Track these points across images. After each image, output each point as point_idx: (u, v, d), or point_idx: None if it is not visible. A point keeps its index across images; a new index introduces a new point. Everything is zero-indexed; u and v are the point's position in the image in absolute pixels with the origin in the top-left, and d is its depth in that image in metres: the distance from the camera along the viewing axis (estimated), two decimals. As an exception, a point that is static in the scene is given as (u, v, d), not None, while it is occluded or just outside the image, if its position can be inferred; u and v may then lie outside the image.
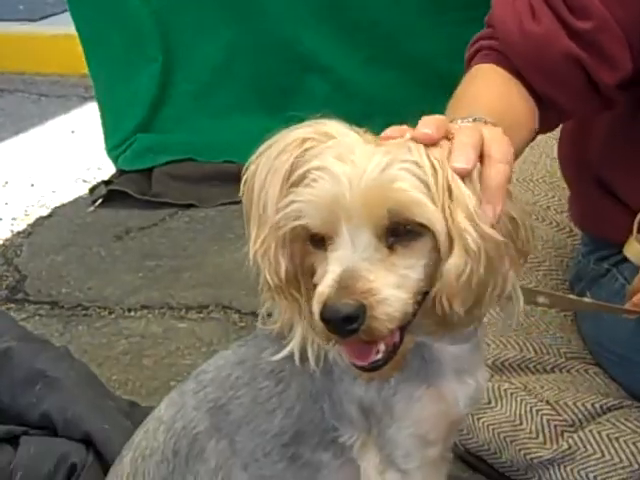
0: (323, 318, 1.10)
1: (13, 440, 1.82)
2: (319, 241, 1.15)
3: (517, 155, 1.55)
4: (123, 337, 2.52)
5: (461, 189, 1.11)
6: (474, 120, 1.20)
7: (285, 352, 1.29)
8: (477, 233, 1.11)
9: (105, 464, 1.75)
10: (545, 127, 1.71)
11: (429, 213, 1.10)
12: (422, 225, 1.11)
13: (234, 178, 3.81)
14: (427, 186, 1.12)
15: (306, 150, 1.16)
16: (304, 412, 1.37)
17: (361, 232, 1.11)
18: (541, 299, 1.45)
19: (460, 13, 3.25)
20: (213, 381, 1.41)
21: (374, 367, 1.17)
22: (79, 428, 1.82)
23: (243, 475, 1.39)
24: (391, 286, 1.11)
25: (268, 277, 1.19)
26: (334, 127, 1.18)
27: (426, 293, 1.16)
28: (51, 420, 1.85)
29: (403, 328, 1.17)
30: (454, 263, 1.11)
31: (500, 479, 1.83)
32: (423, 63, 3.44)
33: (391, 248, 1.12)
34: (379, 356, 1.17)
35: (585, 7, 1.59)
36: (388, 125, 1.21)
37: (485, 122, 1.24)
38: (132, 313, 2.64)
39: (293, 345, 1.27)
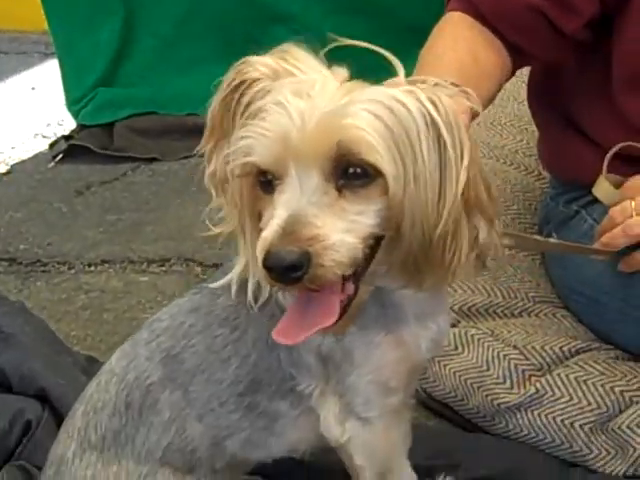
0: (266, 266, 1.05)
1: (-34, 397, 1.78)
2: (267, 183, 1.10)
3: (485, 105, 1.53)
4: (83, 292, 2.46)
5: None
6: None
7: (224, 281, 1.25)
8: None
9: (61, 420, 1.68)
10: (521, 65, 1.75)
11: (379, 154, 1.06)
12: (374, 167, 1.06)
13: (197, 131, 3.76)
14: (391, 132, 1.07)
15: (265, 84, 1.13)
16: (260, 360, 1.34)
17: (309, 173, 1.06)
18: (506, 240, 1.40)
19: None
20: (166, 330, 1.38)
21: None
22: (34, 384, 1.78)
23: (198, 426, 1.36)
24: (339, 231, 1.06)
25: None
26: (301, 60, 1.15)
27: (382, 238, 1.12)
28: (6, 376, 1.81)
29: (357, 279, 1.13)
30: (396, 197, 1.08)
31: (466, 425, 1.80)
32: (392, 11, 3.40)
33: (340, 191, 1.07)
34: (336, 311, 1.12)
35: None
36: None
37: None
38: (92, 268, 2.58)
39: (233, 274, 1.23)
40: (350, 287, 1.12)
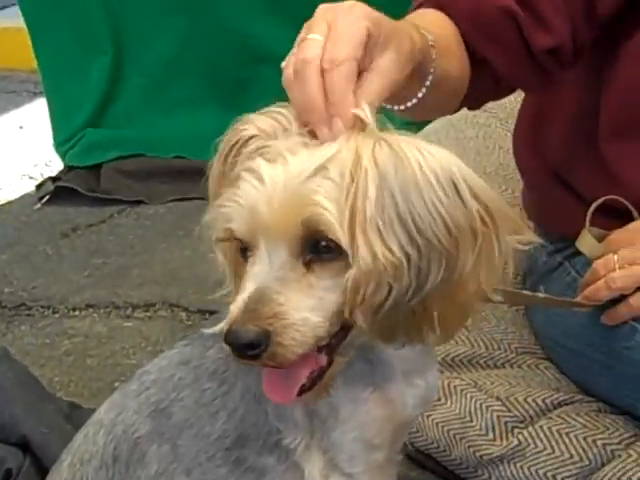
0: (226, 341, 1.06)
1: (-54, 446, 1.78)
2: (244, 251, 1.11)
3: (442, 79, 1.47)
4: (67, 337, 2.48)
5: (363, 198, 1.04)
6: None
7: (216, 328, 1.22)
8: (368, 251, 1.04)
9: (43, 469, 1.72)
10: (477, 91, 1.67)
11: (337, 230, 1.04)
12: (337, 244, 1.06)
13: (184, 174, 3.77)
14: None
15: (258, 142, 1.13)
16: (247, 414, 1.34)
17: (278, 247, 1.07)
18: (497, 296, 1.41)
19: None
20: (156, 382, 1.38)
21: (300, 392, 1.14)
22: (16, 431, 1.79)
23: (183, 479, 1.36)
24: (303, 309, 1.07)
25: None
26: (288, 120, 1.14)
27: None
28: (-13, 423, 1.81)
29: (331, 350, 1.13)
30: (350, 277, 1.05)
31: (449, 477, 1.82)
32: None
33: (308, 265, 1.07)
34: (303, 381, 1.13)
35: None
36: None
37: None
38: (77, 312, 2.61)
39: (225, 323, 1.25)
40: (322, 359, 1.13)
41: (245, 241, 1.09)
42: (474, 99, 1.68)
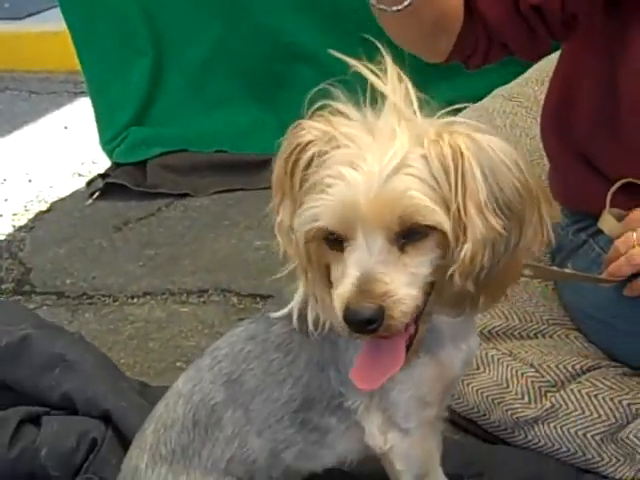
0: (346, 320, 1.21)
1: (35, 420, 1.93)
2: (334, 241, 1.26)
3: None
4: (128, 323, 2.62)
5: (474, 182, 1.21)
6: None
7: (285, 311, 1.41)
8: (484, 225, 1.22)
9: (123, 438, 1.87)
10: (471, 44, 1.80)
11: (437, 216, 1.21)
12: (429, 226, 1.22)
13: (226, 167, 3.94)
14: (437, 183, 1.22)
15: (316, 155, 1.27)
16: (312, 380, 1.49)
17: (375, 236, 1.22)
18: (526, 271, 1.56)
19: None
20: (227, 356, 1.54)
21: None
22: (98, 406, 1.93)
23: (258, 440, 1.52)
24: (404, 286, 1.22)
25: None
26: (343, 127, 1.28)
27: (432, 283, 1.28)
28: (71, 400, 1.96)
29: (417, 319, 1.30)
30: (469, 248, 1.22)
31: (489, 438, 1.95)
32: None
33: (402, 249, 1.23)
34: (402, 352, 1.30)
35: None
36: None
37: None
38: (135, 300, 2.74)
39: (293, 305, 1.39)
40: (412, 328, 1.30)
41: (339, 233, 1.24)
42: (468, 54, 1.80)
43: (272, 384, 1.51)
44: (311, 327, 1.40)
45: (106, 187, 3.51)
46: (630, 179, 1.79)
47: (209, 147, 3.64)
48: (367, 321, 1.21)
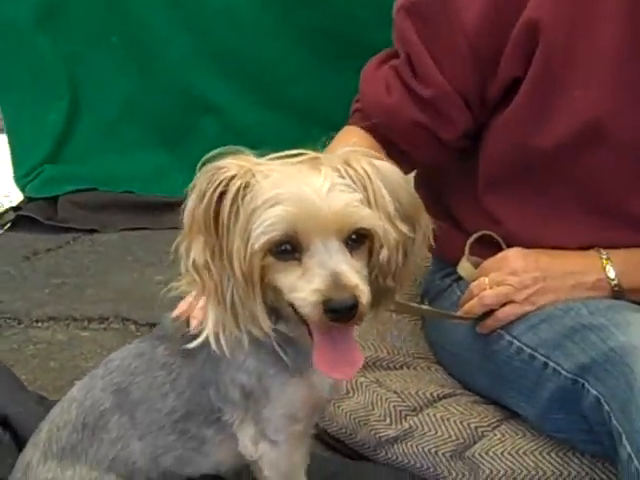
0: (330, 309, 1.35)
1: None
2: (283, 252, 1.39)
3: None
4: (32, 344, 2.74)
5: (382, 198, 1.43)
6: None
7: (201, 339, 1.51)
8: (395, 231, 1.43)
9: (20, 441, 1.98)
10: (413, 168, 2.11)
11: (377, 222, 1.41)
12: (365, 233, 1.42)
13: (133, 207, 4.12)
14: (366, 198, 1.42)
15: (243, 186, 1.40)
16: (193, 396, 1.63)
17: (332, 241, 1.39)
18: (391, 307, 1.72)
19: (339, 63, 3.60)
20: (118, 368, 1.68)
21: None
22: (-1, 412, 2.05)
23: (139, 444, 1.66)
24: (362, 281, 1.40)
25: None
26: (261, 165, 1.43)
27: None
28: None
29: None
30: (386, 253, 1.44)
31: (354, 456, 2.13)
32: (306, 106, 3.77)
33: (350, 253, 1.41)
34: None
35: (428, 77, 1.94)
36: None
37: None
38: (39, 324, 2.87)
39: (208, 332, 1.50)
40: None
41: (296, 243, 1.38)
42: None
43: (156, 397, 1.64)
44: (225, 349, 1.50)
45: (17, 219, 3.66)
46: (485, 231, 2.00)
47: (118, 187, 3.82)
48: (350, 308, 1.36)
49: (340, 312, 1.36)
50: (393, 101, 2.00)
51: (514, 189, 2.01)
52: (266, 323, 1.46)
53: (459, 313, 1.99)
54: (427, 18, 1.96)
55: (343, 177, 1.42)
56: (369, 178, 1.43)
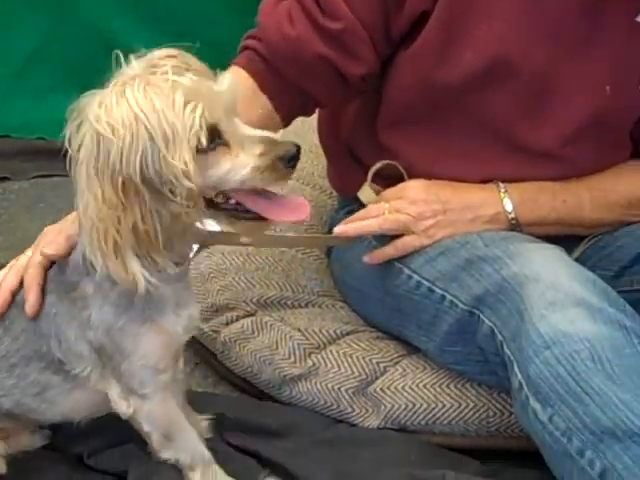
0: (288, 159, 1.42)
1: None
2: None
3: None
4: None
5: None
6: None
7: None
8: None
9: None
10: (306, 112, 2.10)
11: None
12: None
13: (45, 154, 4.03)
14: None
15: None
16: (28, 343, 1.60)
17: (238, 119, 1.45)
18: (244, 239, 1.76)
19: (251, 2, 3.57)
20: None
21: None
22: None
23: None
24: None
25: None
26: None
27: None
28: None
29: None
30: None
31: (261, 395, 2.15)
32: (218, 48, 3.72)
33: None
34: None
35: (335, 10, 1.89)
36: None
37: None
38: None
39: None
40: None
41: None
42: (286, 120, 2.04)
43: None
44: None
45: None
46: (389, 161, 2.00)
47: (31, 134, 3.75)
48: (297, 155, 1.43)
49: (294, 159, 1.43)
50: (297, 33, 1.93)
51: (416, 126, 2.02)
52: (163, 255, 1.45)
53: (344, 228, 1.99)
54: None
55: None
56: None
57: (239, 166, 1.41)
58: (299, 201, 1.56)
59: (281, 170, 1.42)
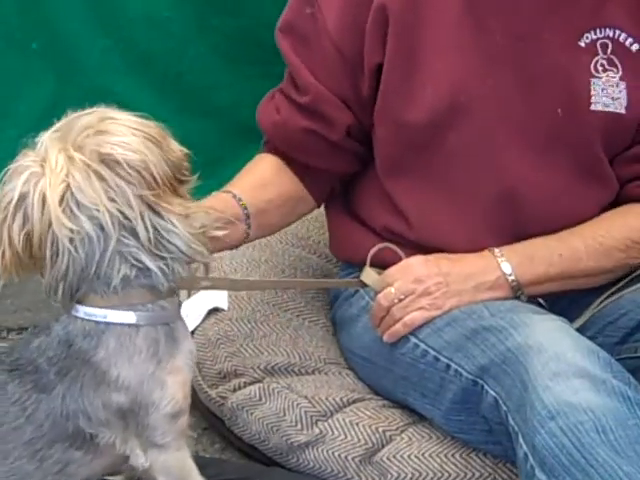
0: None
1: None
2: None
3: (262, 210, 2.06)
4: None
5: None
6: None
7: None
8: None
9: None
10: (323, 191, 2.22)
11: None
12: None
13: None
14: None
15: None
16: (54, 427, 1.56)
17: None
18: (204, 283, 1.78)
19: (257, 68, 3.64)
20: None
21: None
22: None
23: None
24: None
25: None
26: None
27: None
28: None
29: None
30: None
31: (268, 462, 2.16)
32: (227, 112, 3.77)
33: None
34: None
35: (304, 85, 2.07)
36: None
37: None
38: None
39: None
40: None
41: None
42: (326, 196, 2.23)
43: (8, 430, 1.57)
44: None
45: None
46: (384, 244, 2.05)
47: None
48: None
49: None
50: (282, 117, 2.12)
51: (407, 172, 2.10)
52: None
53: (374, 324, 2.05)
54: (300, 34, 2.09)
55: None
56: None
57: None
58: None
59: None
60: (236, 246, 2.08)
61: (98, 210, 1.47)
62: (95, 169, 1.48)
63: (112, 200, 1.47)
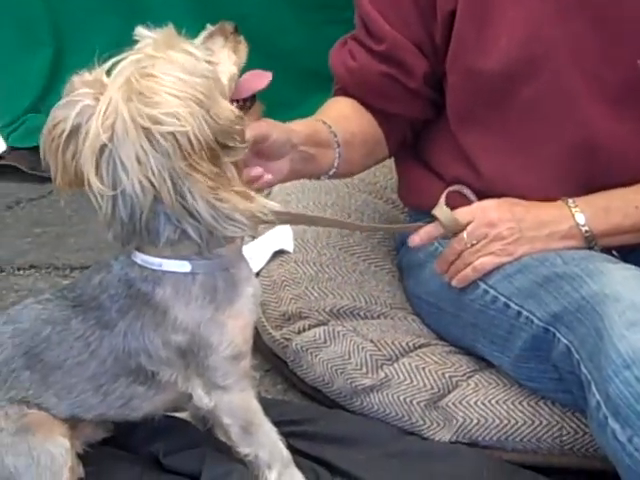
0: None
1: None
2: None
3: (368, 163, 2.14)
4: (13, 291, 2.77)
5: None
6: None
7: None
8: None
9: None
10: (397, 138, 2.20)
11: None
12: None
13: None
14: None
15: None
16: (117, 363, 1.62)
17: None
18: (284, 217, 1.83)
19: (320, 14, 3.63)
20: (26, 332, 1.65)
21: None
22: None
23: (54, 400, 1.66)
24: None
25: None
26: None
27: None
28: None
29: None
30: None
31: (331, 404, 2.16)
32: (289, 56, 3.72)
33: None
34: None
35: (380, 33, 2.06)
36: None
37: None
38: (21, 272, 2.89)
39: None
40: None
41: None
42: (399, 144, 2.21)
43: (72, 365, 1.63)
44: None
45: (0, 169, 3.64)
46: (459, 186, 2.05)
47: (102, 137, 3.79)
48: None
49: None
50: (358, 63, 2.12)
51: (479, 123, 2.08)
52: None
53: (441, 269, 2.04)
54: None
55: None
56: None
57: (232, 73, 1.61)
58: (259, 71, 1.69)
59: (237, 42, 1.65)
60: (323, 173, 2.01)
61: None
62: (135, 130, 1.45)
63: (141, 164, 1.45)
